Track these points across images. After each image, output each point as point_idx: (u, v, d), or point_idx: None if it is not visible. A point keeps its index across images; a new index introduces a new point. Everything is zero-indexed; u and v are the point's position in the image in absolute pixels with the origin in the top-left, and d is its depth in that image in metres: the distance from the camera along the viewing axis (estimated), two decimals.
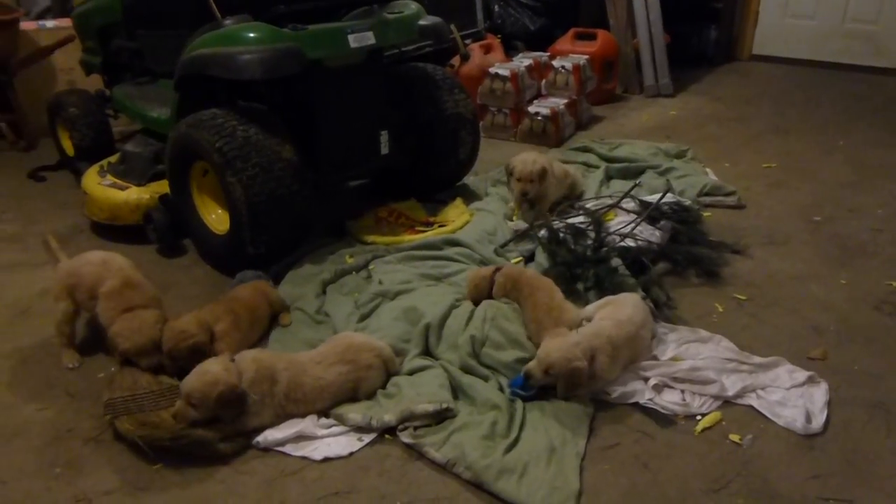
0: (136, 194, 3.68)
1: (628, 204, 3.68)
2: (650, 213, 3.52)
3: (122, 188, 3.72)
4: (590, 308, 2.83)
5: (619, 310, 2.68)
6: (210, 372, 2.28)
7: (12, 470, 2.30)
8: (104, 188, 3.75)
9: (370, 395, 2.52)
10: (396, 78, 3.90)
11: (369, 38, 3.33)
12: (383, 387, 2.56)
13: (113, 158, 4.00)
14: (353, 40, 3.27)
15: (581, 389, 2.46)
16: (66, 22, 5.48)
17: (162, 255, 3.65)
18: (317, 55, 3.17)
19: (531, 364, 2.47)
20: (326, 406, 2.47)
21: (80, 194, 4.31)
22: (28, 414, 2.56)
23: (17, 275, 3.54)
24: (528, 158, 3.67)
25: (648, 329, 2.72)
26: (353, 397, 2.51)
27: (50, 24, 5.53)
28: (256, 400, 2.33)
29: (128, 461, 2.32)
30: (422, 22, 3.60)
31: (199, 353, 2.54)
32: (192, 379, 2.30)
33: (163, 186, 3.71)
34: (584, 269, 3.14)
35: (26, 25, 5.34)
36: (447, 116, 3.91)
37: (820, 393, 2.52)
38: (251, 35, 3.08)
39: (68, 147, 4.68)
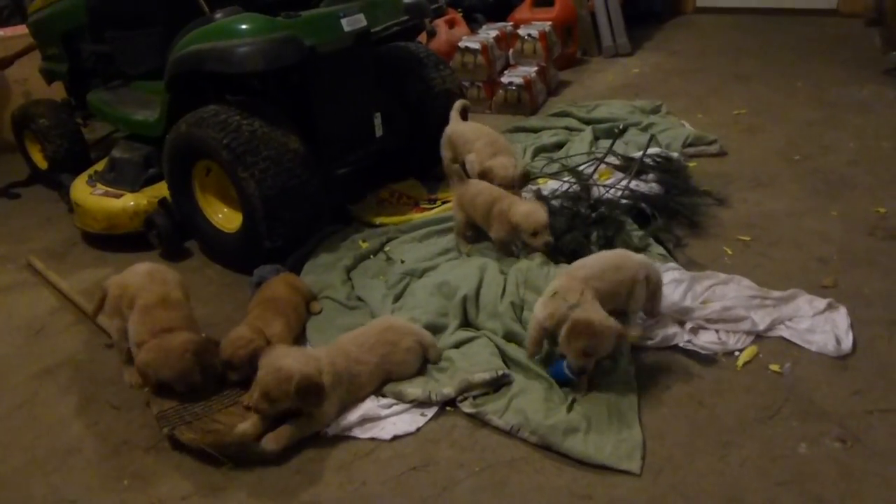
0: (134, 200, 3.59)
1: (612, 161, 3.82)
2: (638, 168, 3.64)
3: (116, 196, 3.62)
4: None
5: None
6: (282, 365, 2.27)
7: (79, 488, 2.27)
8: (98, 198, 3.64)
9: (407, 378, 2.54)
10: (382, 59, 3.89)
11: (361, 21, 3.33)
12: (422, 370, 2.58)
13: (99, 166, 3.89)
14: (346, 24, 3.25)
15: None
16: (10, 31, 5.25)
17: (167, 260, 3.58)
18: (312, 42, 3.14)
19: (570, 357, 2.35)
20: (372, 390, 2.50)
21: (62, 207, 4.21)
22: (78, 430, 2.51)
23: (21, 295, 3.43)
24: (506, 163, 3.38)
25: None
26: (387, 379, 2.53)
27: None
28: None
29: (194, 465, 2.31)
30: None
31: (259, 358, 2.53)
32: (266, 375, 2.26)
33: (157, 190, 3.64)
34: (588, 230, 3.24)
35: None
36: (436, 93, 3.93)
37: (841, 317, 2.69)
38: (246, 27, 3.03)
39: (39, 160, 4.52)
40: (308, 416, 2.33)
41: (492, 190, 3.18)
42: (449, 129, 3.74)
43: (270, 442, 2.27)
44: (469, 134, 3.64)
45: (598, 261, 2.60)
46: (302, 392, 2.24)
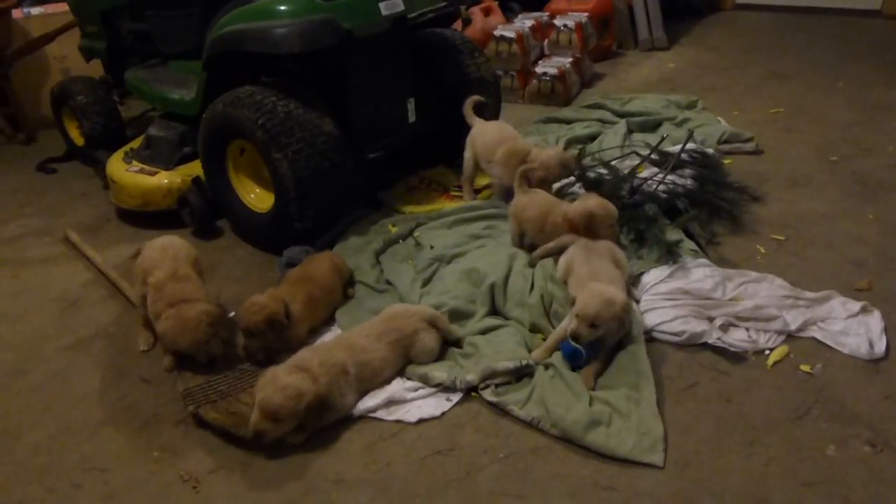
0: (168, 178, 3.64)
1: (645, 153, 3.79)
2: (675, 163, 3.61)
3: (151, 173, 3.67)
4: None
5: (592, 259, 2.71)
6: (290, 386, 2.23)
7: (109, 458, 2.32)
8: (133, 175, 3.70)
9: (428, 356, 2.56)
10: (418, 45, 3.89)
11: (398, 5, 3.32)
12: (444, 351, 2.60)
13: (136, 144, 3.94)
14: (384, 8, 3.25)
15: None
16: (52, 8, 5.33)
17: (199, 238, 3.62)
18: (349, 25, 3.15)
19: (573, 325, 2.42)
20: (391, 375, 2.52)
21: (98, 183, 4.28)
22: (110, 402, 2.56)
23: (56, 268, 3.49)
24: (551, 153, 3.39)
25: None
26: (409, 361, 2.56)
27: (35, 10, 5.35)
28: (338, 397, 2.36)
29: (221, 441, 2.35)
30: None
31: (276, 325, 2.56)
32: (274, 398, 2.20)
33: (191, 169, 3.68)
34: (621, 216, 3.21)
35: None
36: (470, 80, 3.92)
37: (875, 321, 2.65)
38: (285, 8, 3.04)
39: (76, 137, 4.59)
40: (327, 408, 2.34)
41: (542, 201, 3.13)
42: (474, 131, 3.66)
43: (294, 436, 2.29)
44: (490, 138, 3.57)
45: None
46: (311, 410, 2.25)
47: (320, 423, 2.33)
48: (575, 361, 2.47)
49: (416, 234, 3.40)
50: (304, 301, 2.73)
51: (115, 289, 3.25)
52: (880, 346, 2.52)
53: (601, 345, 2.48)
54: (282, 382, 2.23)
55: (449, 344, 2.65)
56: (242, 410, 2.39)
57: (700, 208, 3.40)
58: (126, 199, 3.74)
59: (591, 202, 2.96)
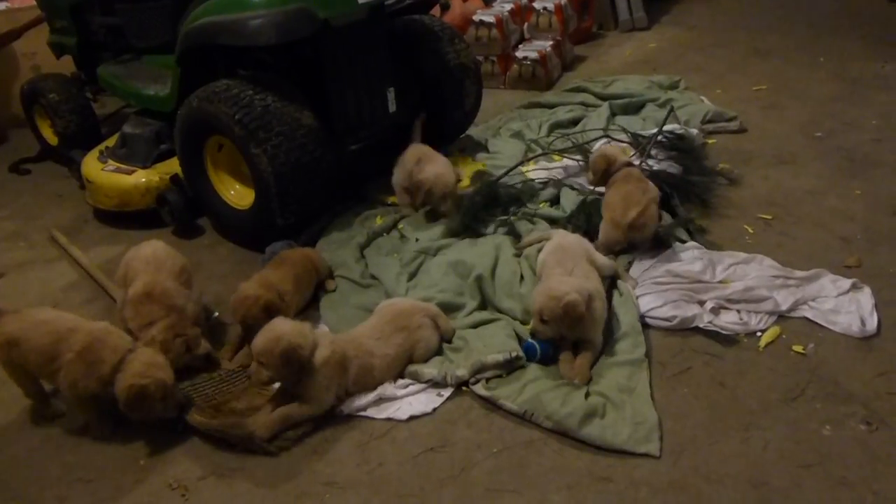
0: (146, 177, 3.56)
1: (623, 138, 3.76)
2: (647, 146, 3.56)
3: (128, 172, 3.58)
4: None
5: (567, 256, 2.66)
6: (275, 329, 2.25)
7: (94, 468, 2.26)
8: (109, 174, 3.61)
9: (427, 357, 2.51)
10: (397, 33, 3.81)
11: None
12: (438, 348, 2.55)
13: (111, 142, 3.84)
14: None
15: (585, 328, 2.42)
16: (18, 2, 5.20)
17: (180, 237, 3.55)
18: (325, 14, 3.07)
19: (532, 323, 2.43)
20: (392, 377, 2.46)
21: (74, 184, 4.18)
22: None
23: (33, 272, 3.41)
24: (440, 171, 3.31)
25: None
26: (411, 361, 2.50)
27: (1, 5, 5.20)
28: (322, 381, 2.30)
29: (210, 446, 2.29)
30: None
31: (273, 311, 2.51)
32: (258, 338, 2.26)
33: (169, 167, 3.60)
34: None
35: None
36: (451, 68, 3.85)
37: (866, 298, 2.64)
38: None
39: (49, 136, 4.48)
40: (300, 401, 2.28)
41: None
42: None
43: (261, 429, 2.23)
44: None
45: None
46: (285, 357, 2.20)
47: (297, 391, 2.27)
48: (530, 358, 2.45)
49: (399, 226, 3.35)
50: (294, 284, 2.70)
51: (96, 292, 3.17)
52: (872, 323, 2.51)
53: (557, 342, 2.45)
54: (270, 326, 2.28)
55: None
56: (231, 412, 2.35)
57: (679, 193, 3.36)
58: (103, 200, 3.66)
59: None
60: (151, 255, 2.70)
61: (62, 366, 2.25)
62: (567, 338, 2.44)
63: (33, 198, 4.20)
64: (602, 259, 2.76)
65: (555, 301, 2.33)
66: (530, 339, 2.49)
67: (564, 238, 2.79)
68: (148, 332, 2.49)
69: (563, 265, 2.59)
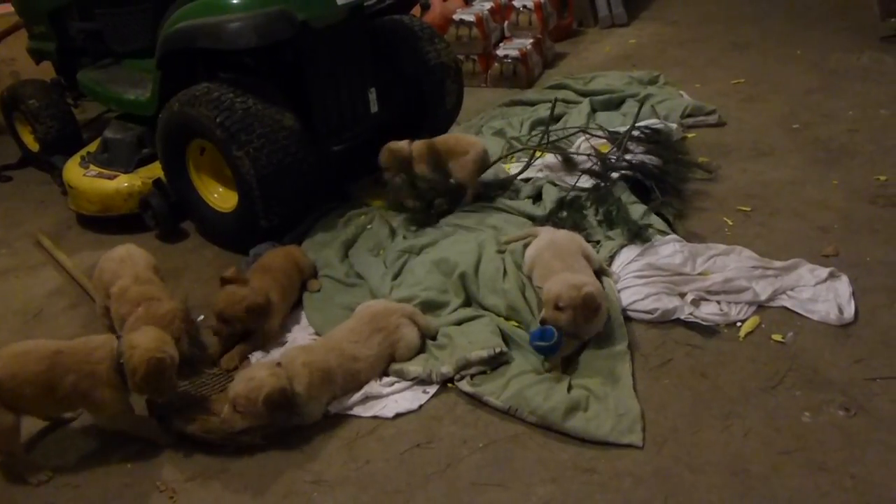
0: (128, 182, 3.55)
1: (599, 134, 3.78)
2: (623, 140, 3.59)
3: (110, 177, 3.58)
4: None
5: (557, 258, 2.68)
6: (255, 377, 2.21)
7: (81, 472, 2.26)
8: (91, 179, 3.60)
9: (412, 354, 2.52)
10: (377, 33, 3.82)
11: None
12: (422, 346, 2.57)
13: (92, 147, 3.83)
14: None
15: (598, 322, 2.45)
16: (2, 8, 5.15)
17: (163, 241, 3.55)
18: (304, 16, 3.08)
19: (542, 312, 2.42)
20: (375, 377, 2.48)
21: (56, 190, 4.16)
22: (78, 416, 2.49)
23: (16, 280, 3.40)
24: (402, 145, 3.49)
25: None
26: (393, 360, 2.52)
27: None
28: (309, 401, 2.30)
29: (198, 449, 2.30)
30: None
31: (258, 314, 2.54)
32: (237, 385, 2.22)
33: (151, 171, 3.59)
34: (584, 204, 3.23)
35: None
36: (432, 67, 3.87)
37: (843, 286, 2.68)
38: (237, 1, 2.97)
39: (30, 142, 4.45)
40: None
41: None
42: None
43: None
44: None
45: None
46: (271, 404, 2.18)
47: (288, 423, 2.28)
48: (544, 346, 2.39)
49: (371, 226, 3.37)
50: (279, 293, 2.71)
51: (80, 297, 3.17)
52: (849, 311, 2.56)
53: (569, 339, 2.45)
54: (250, 374, 2.23)
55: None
56: (212, 415, 2.35)
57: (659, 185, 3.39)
58: (85, 205, 3.65)
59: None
60: (126, 254, 2.74)
61: (66, 395, 2.16)
62: (572, 337, 2.45)
63: (15, 204, 4.18)
64: (595, 253, 2.80)
65: (576, 290, 2.35)
66: (541, 327, 2.42)
67: (556, 234, 2.82)
68: (149, 305, 2.48)
69: (562, 260, 2.63)
